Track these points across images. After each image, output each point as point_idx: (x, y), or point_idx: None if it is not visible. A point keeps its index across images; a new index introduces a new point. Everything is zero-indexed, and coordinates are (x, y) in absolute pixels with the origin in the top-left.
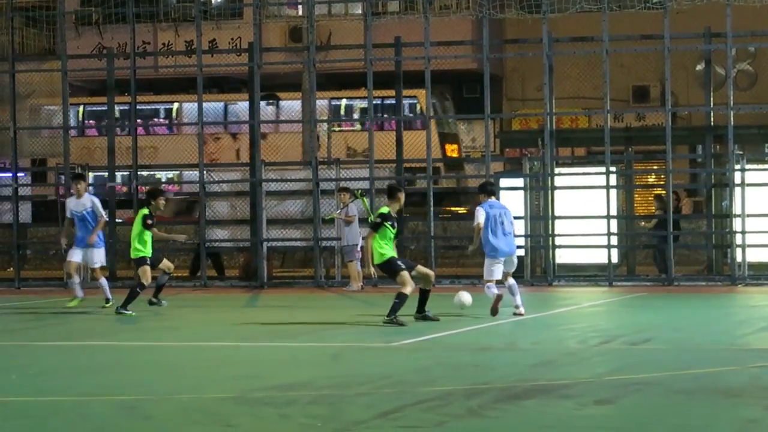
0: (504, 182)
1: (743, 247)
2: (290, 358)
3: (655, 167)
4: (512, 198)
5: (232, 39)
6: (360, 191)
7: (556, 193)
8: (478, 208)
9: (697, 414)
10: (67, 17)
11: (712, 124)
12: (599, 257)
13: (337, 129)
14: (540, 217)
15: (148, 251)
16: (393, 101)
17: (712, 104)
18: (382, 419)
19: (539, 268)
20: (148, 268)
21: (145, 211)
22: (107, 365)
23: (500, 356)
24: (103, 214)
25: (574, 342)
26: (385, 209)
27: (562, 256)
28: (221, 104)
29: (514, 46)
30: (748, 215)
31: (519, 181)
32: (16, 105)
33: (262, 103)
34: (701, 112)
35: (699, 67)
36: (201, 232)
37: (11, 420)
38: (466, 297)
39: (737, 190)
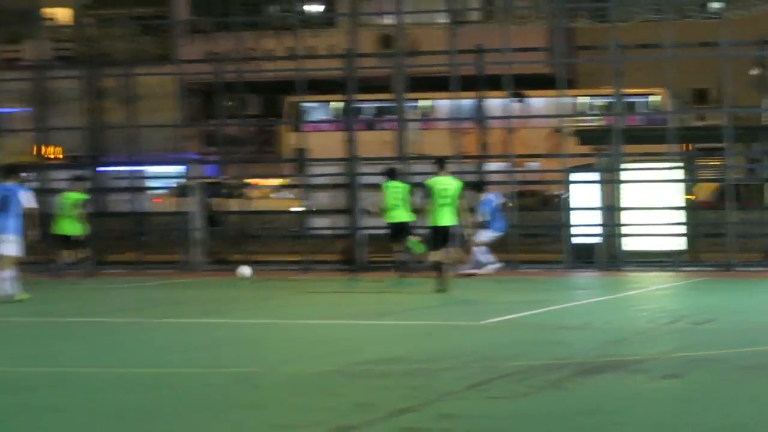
0: (578, 177)
1: None
2: (387, 336)
3: (714, 163)
4: (586, 191)
5: (329, 45)
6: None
7: (629, 186)
8: None
9: (759, 387)
10: (180, 26)
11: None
12: (667, 245)
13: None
14: (611, 208)
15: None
16: (635, 99)
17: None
18: (472, 390)
19: (610, 255)
20: None
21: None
22: (222, 341)
23: (577, 334)
24: None
25: (644, 321)
26: None
27: (632, 244)
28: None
29: (585, 53)
30: None
31: (592, 176)
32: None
33: (508, 101)
34: (756, 112)
35: (753, 72)
36: (301, 220)
37: (139, 391)
38: (245, 270)
39: None
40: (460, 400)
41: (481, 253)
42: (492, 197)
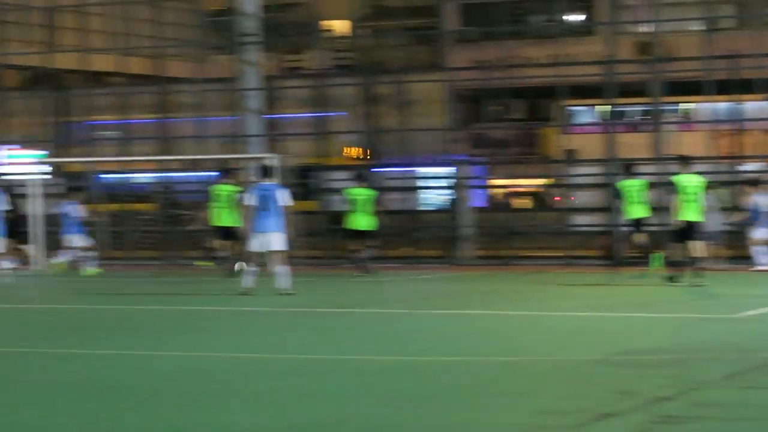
0: None
1: None
2: (644, 327)
3: None
4: None
5: (588, 52)
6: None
7: None
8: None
9: None
10: (449, 36)
11: None
12: None
13: None
14: None
15: None
16: None
17: None
18: (728, 380)
19: None
20: None
21: None
22: (487, 331)
23: None
24: None
25: None
26: None
27: None
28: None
29: None
30: None
31: None
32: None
33: (762, 104)
34: None
35: None
36: (564, 218)
37: (410, 378)
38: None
39: None
40: (717, 390)
41: (762, 252)
42: (762, 195)
